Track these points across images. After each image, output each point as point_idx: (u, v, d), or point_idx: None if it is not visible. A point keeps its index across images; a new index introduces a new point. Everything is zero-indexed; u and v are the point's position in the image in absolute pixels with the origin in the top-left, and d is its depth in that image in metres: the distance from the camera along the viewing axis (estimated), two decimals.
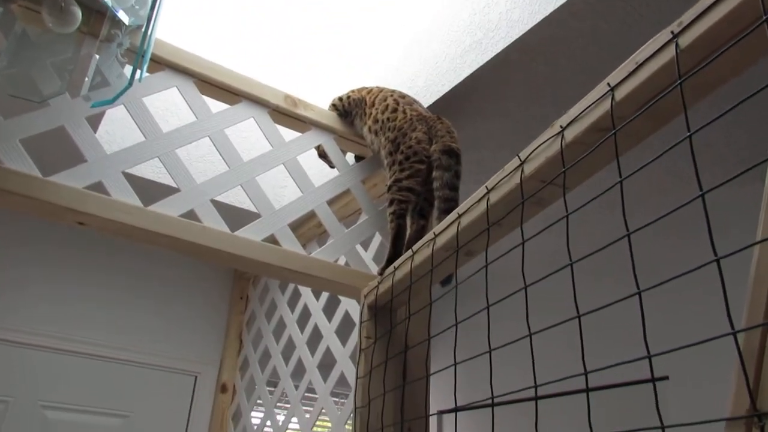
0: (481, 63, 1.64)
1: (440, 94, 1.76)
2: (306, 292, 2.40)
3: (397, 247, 1.59)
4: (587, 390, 0.75)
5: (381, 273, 1.54)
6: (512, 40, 1.56)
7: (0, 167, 1.28)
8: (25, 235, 2.53)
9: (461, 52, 1.73)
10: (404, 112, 1.67)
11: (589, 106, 0.86)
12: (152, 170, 2.18)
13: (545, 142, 0.95)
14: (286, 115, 1.78)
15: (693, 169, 0.64)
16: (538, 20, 1.50)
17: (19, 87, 1.28)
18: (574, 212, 0.83)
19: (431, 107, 1.80)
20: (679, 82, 0.70)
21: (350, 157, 2.05)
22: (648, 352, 0.69)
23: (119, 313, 2.63)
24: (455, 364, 1.05)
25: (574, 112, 0.89)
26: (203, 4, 2.40)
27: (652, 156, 0.75)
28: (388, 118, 1.68)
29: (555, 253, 2.09)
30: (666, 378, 2.10)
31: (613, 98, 0.81)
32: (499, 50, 1.59)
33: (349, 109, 1.85)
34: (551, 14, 1.47)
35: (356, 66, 2.32)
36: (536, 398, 0.85)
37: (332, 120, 1.85)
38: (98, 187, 1.41)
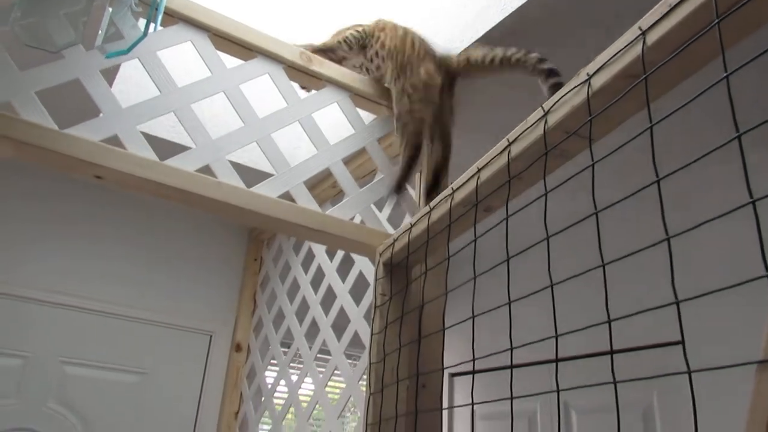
0: (498, 20, 1.60)
1: (459, 49, 1.73)
2: (320, 253, 2.40)
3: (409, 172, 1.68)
4: (611, 352, 0.74)
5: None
6: None
7: (17, 119, 1.28)
8: (43, 193, 2.55)
9: (479, 9, 1.69)
10: (413, 43, 1.70)
11: (618, 52, 0.83)
12: (166, 129, 2.17)
13: (570, 91, 0.92)
14: (301, 71, 1.75)
15: (730, 112, 0.62)
16: None
17: (34, 37, 1.26)
18: (600, 161, 0.81)
19: None
20: (716, 21, 0.68)
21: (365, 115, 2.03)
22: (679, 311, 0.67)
23: (135, 273, 2.66)
24: (473, 316, 1.05)
25: (601, 59, 0.87)
26: None
27: (680, 106, 0.73)
28: (396, 45, 1.71)
29: (572, 215, 2.07)
30: (681, 342, 2.09)
31: (644, 43, 0.78)
32: (519, 4, 1.55)
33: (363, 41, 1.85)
34: None
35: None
36: (557, 360, 0.84)
37: (348, 77, 1.83)
38: (114, 141, 1.40)
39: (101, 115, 1.40)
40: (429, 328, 1.51)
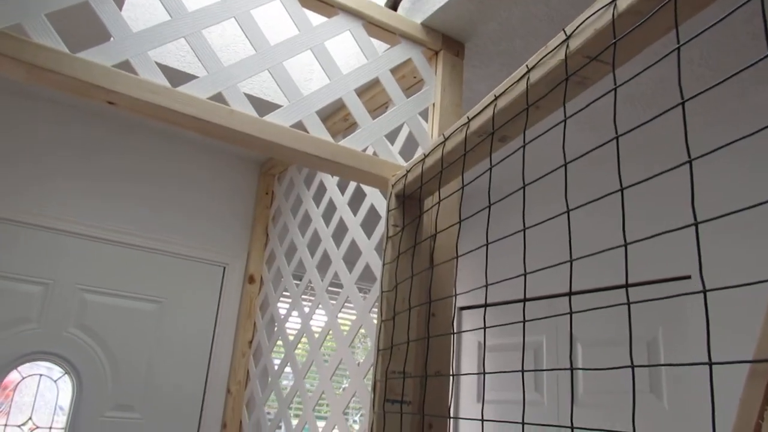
0: None
1: None
2: (331, 187, 2.41)
3: None
4: (626, 285, 0.75)
5: None
6: None
7: (28, 41, 1.26)
8: (62, 125, 2.55)
9: None
10: None
11: None
12: (177, 58, 2.14)
13: (595, 13, 0.90)
14: None
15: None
16: None
17: None
18: (622, 85, 0.80)
19: None
20: None
21: (379, 44, 1.98)
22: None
23: (152, 206, 2.69)
24: (487, 244, 1.06)
25: None
26: None
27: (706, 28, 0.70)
28: None
29: (581, 147, 2.05)
30: (688, 277, 2.11)
31: None
32: None
33: None
34: None
35: None
36: (570, 294, 0.85)
37: (361, 4, 1.78)
38: (125, 66, 1.38)
39: (112, 39, 1.38)
40: (441, 257, 1.53)
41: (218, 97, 1.47)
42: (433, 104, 1.85)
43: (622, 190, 0.76)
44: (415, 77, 1.98)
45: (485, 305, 1.02)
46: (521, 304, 2.70)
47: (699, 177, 2.05)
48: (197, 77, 2.15)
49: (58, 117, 2.56)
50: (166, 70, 2.13)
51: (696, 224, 0.65)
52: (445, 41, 1.89)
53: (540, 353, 2.63)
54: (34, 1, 1.31)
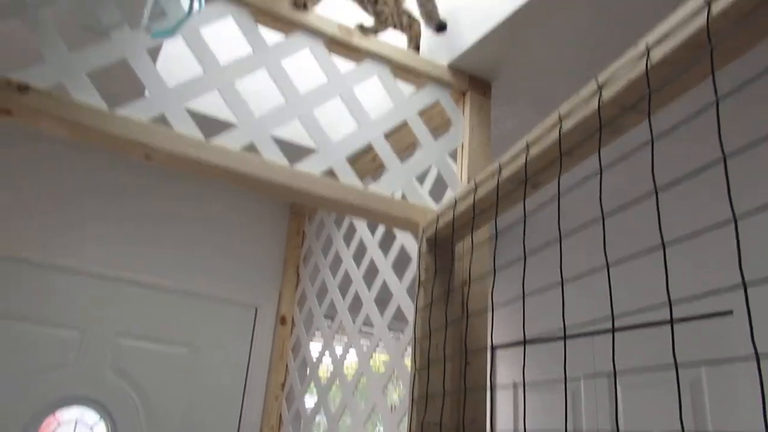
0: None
1: (500, 19, 1.68)
2: (362, 228, 2.41)
3: None
4: (671, 321, 0.73)
5: None
6: None
7: (70, 100, 1.30)
8: (97, 171, 2.61)
9: None
10: None
11: (681, 22, 0.79)
12: (208, 104, 2.19)
13: (627, 63, 0.89)
14: (341, 45, 1.74)
15: None
16: None
17: (83, 19, 1.28)
18: (660, 136, 0.78)
19: (491, 32, 1.72)
20: None
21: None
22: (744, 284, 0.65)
23: (183, 248, 2.72)
24: (524, 296, 1.04)
25: (663, 28, 0.83)
26: None
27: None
28: None
29: (614, 191, 2.02)
30: (730, 313, 2.05)
31: (709, 11, 0.75)
32: None
33: None
34: None
35: None
36: (613, 330, 0.83)
37: (387, 49, 1.80)
38: (161, 120, 1.42)
39: (148, 94, 1.42)
40: (475, 304, 1.51)
41: (250, 147, 1.50)
42: (462, 145, 1.85)
43: (663, 245, 0.74)
44: (442, 117, 1.98)
45: (524, 342, 1.00)
46: (558, 341, 2.64)
47: (740, 207, 2.00)
48: (227, 121, 2.19)
49: (93, 162, 2.63)
50: (197, 116, 2.17)
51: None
52: (472, 82, 1.90)
53: (578, 393, 2.56)
54: (76, 61, 1.36)
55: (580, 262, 2.37)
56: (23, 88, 1.25)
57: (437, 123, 2.03)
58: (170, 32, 1.23)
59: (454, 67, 1.87)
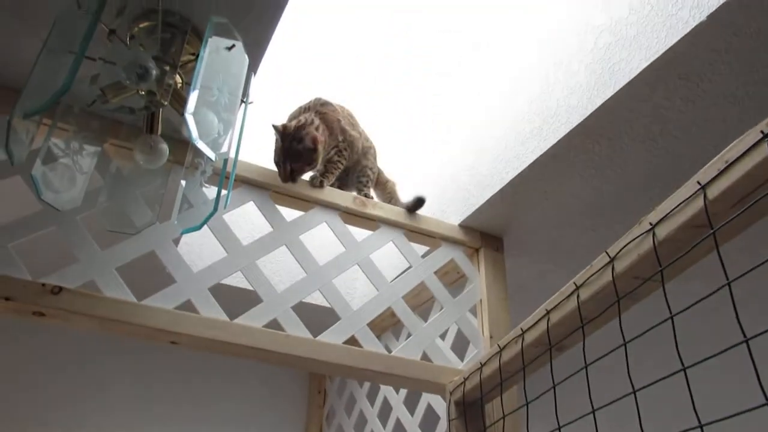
0: (544, 150, 1.66)
1: (505, 182, 1.78)
2: (385, 386, 2.37)
3: None
4: None
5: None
6: (573, 125, 1.58)
7: (101, 297, 1.36)
8: (112, 354, 2.61)
9: (522, 139, 1.76)
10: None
11: (680, 203, 0.85)
12: (229, 278, 2.25)
13: (635, 239, 0.94)
14: (355, 215, 1.83)
15: None
16: (597, 105, 1.52)
17: (115, 221, 1.37)
18: (679, 314, 0.81)
19: (497, 194, 1.81)
20: None
21: None
22: None
23: (199, 420, 2.65)
24: None
25: (663, 209, 0.89)
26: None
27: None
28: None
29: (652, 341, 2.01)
30: None
31: (705, 196, 0.80)
32: (560, 136, 1.61)
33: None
34: (610, 98, 1.49)
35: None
36: None
37: (400, 215, 1.89)
38: (187, 304, 1.46)
39: (175, 282, 1.48)
40: None
41: (273, 323, 1.53)
42: (480, 301, 1.87)
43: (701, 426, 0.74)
44: (458, 273, 2.02)
45: None
46: None
47: None
48: (247, 290, 2.24)
49: (115, 347, 2.62)
50: (218, 288, 2.22)
51: None
52: (484, 238, 1.97)
53: None
54: (105, 257, 1.43)
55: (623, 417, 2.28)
56: (56, 291, 1.31)
57: (453, 277, 2.06)
58: (197, 228, 1.31)
59: (466, 226, 1.95)
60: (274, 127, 1.73)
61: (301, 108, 1.89)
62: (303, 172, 1.74)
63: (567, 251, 2.06)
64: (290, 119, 1.87)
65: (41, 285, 1.31)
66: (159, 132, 1.33)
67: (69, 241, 1.40)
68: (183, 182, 1.47)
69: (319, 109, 1.86)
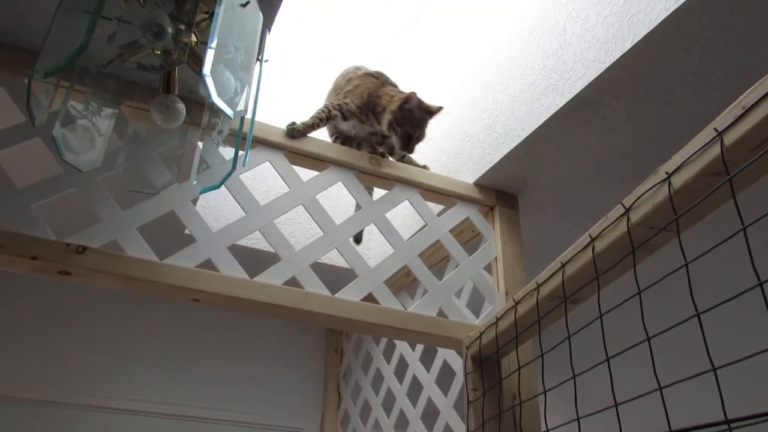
0: (560, 105, 1.64)
1: (520, 138, 1.77)
2: (401, 343, 2.41)
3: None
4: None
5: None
6: (590, 80, 1.56)
7: (124, 256, 1.39)
8: (139, 309, 2.69)
9: (538, 95, 1.74)
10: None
11: (696, 151, 0.85)
12: (247, 238, 2.28)
13: (651, 189, 0.94)
14: (371, 174, 1.83)
15: None
16: (615, 57, 1.49)
17: (135, 181, 1.39)
18: (694, 261, 0.82)
19: (512, 151, 1.81)
20: None
21: None
22: None
23: (223, 377, 2.73)
24: (578, 418, 1.03)
25: (679, 158, 0.88)
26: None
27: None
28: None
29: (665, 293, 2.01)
30: None
31: (722, 143, 0.80)
32: (577, 91, 1.59)
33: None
34: (628, 50, 1.46)
35: None
36: None
37: (415, 174, 1.89)
38: (207, 263, 1.49)
39: (195, 241, 1.50)
40: (528, 425, 1.48)
41: (292, 280, 1.56)
42: (495, 258, 1.89)
43: (714, 370, 0.75)
44: (473, 231, 2.04)
45: None
46: None
47: None
48: (266, 251, 2.27)
49: (133, 303, 2.70)
50: (237, 249, 2.26)
51: None
52: (499, 197, 1.97)
53: None
54: (127, 218, 1.46)
55: (638, 362, 2.30)
56: (81, 250, 1.35)
57: (468, 235, 2.08)
58: (216, 187, 1.33)
59: (481, 185, 1.95)
60: (414, 98, 1.79)
61: (368, 72, 1.98)
62: None
63: (583, 209, 2.05)
64: (340, 84, 1.99)
65: (66, 245, 1.34)
66: (176, 92, 1.34)
67: (91, 202, 1.43)
68: (200, 144, 1.48)
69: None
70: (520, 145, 1.79)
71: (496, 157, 1.86)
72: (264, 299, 1.49)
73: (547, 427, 1.11)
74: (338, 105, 1.89)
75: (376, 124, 1.90)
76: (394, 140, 1.84)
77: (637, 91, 1.58)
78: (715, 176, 0.83)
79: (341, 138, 1.97)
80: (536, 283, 1.29)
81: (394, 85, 2.01)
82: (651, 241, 0.98)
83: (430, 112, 1.84)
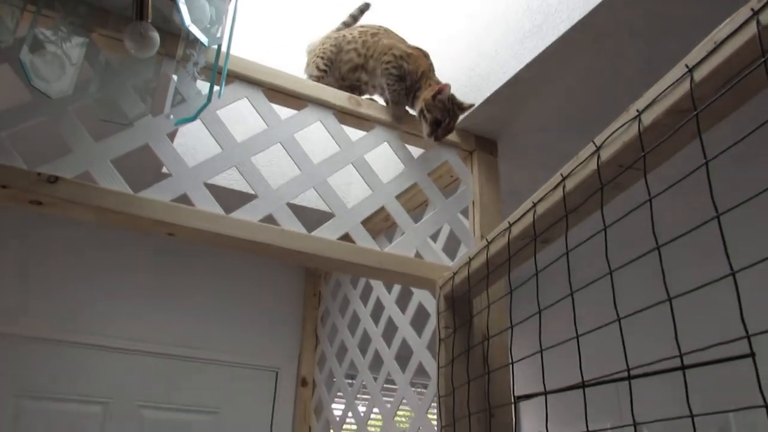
0: (543, 48, 1.63)
1: (502, 82, 1.76)
2: (378, 286, 2.45)
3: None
4: (683, 367, 0.76)
5: None
6: (574, 22, 1.54)
7: (96, 187, 1.38)
8: (117, 246, 2.69)
9: (521, 37, 1.72)
10: None
11: (667, 88, 0.85)
12: (225, 179, 2.27)
13: (621, 126, 0.95)
14: (350, 114, 1.82)
15: None
16: (600, 0, 1.48)
17: (107, 111, 1.37)
18: (657, 196, 0.83)
19: (494, 94, 1.80)
20: (763, 60, 0.69)
21: None
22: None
23: (201, 316, 2.77)
24: (541, 350, 1.06)
25: (650, 94, 0.89)
26: (256, 11, 2.47)
27: (731, 132, 0.75)
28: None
29: (629, 240, 2.05)
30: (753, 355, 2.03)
31: (692, 79, 0.81)
32: (561, 33, 1.58)
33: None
34: None
35: None
36: (629, 378, 0.86)
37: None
38: (183, 198, 1.49)
39: (171, 175, 1.49)
40: (496, 359, 1.53)
41: (269, 218, 1.56)
42: (473, 202, 1.90)
43: (670, 299, 0.78)
44: (451, 176, 2.04)
45: (545, 393, 1.01)
46: (581, 390, 2.61)
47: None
48: (243, 193, 2.27)
49: (115, 240, 2.71)
50: (215, 189, 2.25)
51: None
52: (479, 142, 1.97)
53: None
54: (100, 149, 1.44)
55: (601, 303, 2.37)
56: (53, 180, 1.33)
57: (446, 181, 2.09)
58: (191, 119, 1.31)
59: (460, 129, 1.95)
60: (447, 91, 1.76)
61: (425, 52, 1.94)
62: None
63: (562, 156, 2.05)
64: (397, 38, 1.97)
65: (37, 174, 1.33)
66: (149, 19, 1.31)
67: (63, 132, 1.40)
68: (175, 76, 1.45)
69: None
70: (501, 90, 1.78)
71: (477, 101, 1.85)
72: (240, 235, 1.50)
73: (512, 359, 1.15)
74: (406, 69, 1.87)
75: (408, 104, 1.89)
76: (423, 127, 1.81)
77: (621, 36, 1.56)
78: (685, 113, 0.83)
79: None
80: (508, 222, 1.30)
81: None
82: (618, 179, 0.99)
83: (462, 108, 1.82)
